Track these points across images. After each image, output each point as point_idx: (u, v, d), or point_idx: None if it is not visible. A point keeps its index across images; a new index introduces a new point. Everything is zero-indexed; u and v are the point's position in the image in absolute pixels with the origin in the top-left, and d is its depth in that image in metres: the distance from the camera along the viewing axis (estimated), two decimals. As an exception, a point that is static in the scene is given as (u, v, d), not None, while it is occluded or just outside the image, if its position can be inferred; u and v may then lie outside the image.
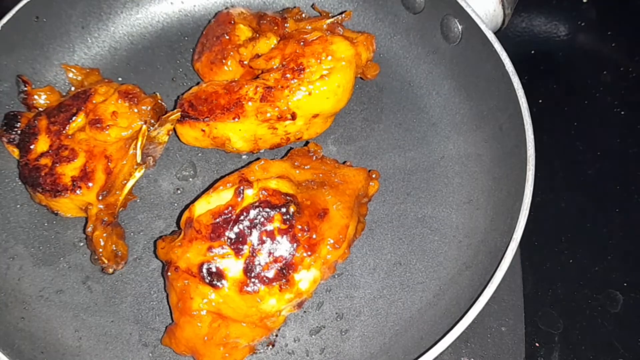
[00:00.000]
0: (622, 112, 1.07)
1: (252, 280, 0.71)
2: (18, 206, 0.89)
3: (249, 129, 0.86)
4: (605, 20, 1.16)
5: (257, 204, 0.72)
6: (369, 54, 0.90)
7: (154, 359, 0.80)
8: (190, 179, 0.92)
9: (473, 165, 0.92)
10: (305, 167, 0.82)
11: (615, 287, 0.92)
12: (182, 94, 0.90)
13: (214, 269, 0.71)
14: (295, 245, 0.72)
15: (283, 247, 0.72)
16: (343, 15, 0.91)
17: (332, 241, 0.74)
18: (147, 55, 1.02)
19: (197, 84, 0.92)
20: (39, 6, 0.93)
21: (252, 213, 0.72)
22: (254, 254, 0.72)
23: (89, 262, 0.85)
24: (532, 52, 1.14)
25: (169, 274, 0.74)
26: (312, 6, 1.02)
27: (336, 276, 0.85)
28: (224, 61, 0.91)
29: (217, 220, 0.72)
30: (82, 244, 0.87)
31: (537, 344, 0.88)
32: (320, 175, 0.81)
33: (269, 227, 0.72)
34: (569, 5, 1.20)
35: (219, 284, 0.71)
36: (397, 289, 0.84)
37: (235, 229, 0.72)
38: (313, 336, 0.82)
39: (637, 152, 1.03)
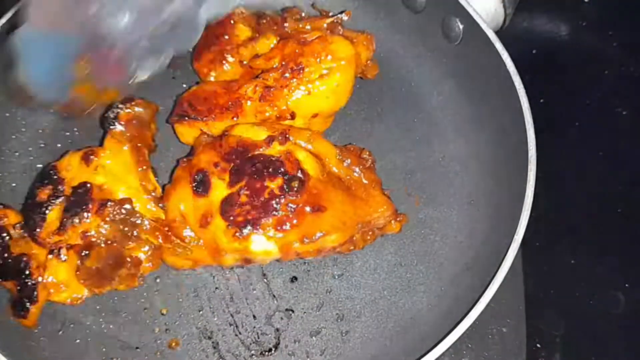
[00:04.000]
0: (624, 112, 1.06)
1: (223, 211, 0.74)
2: (19, 205, 0.89)
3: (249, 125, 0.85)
4: (606, 20, 1.16)
5: (274, 158, 0.76)
6: (369, 54, 0.90)
7: (154, 360, 0.80)
8: (190, 179, 0.92)
9: (474, 165, 0.91)
10: (345, 163, 0.81)
11: (616, 288, 0.91)
12: (182, 93, 0.90)
13: (207, 180, 0.76)
14: (272, 213, 0.74)
15: (263, 207, 0.74)
16: (343, 14, 0.91)
17: (305, 236, 0.75)
18: (146, 55, 1.02)
19: (197, 83, 0.91)
20: (38, 6, 0.92)
21: (264, 163, 0.75)
22: (239, 194, 0.75)
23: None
24: (533, 51, 1.14)
25: (183, 159, 0.81)
26: (312, 5, 1.02)
27: (336, 277, 0.85)
28: (223, 61, 0.91)
29: (238, 148, 0.77)
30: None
31: (538, 345, 0.88)
32: (351, 181, 0.81)
33: (266, 183, 0.75)
34: (570, 4, 1.19)
35: (200, 192, 0.76)
36: (397, 290, 0.84)
37: (243, 164, 0.76)
38: (313, 337, 0.81)
39: (637, 152, 1.03)
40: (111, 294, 0.83)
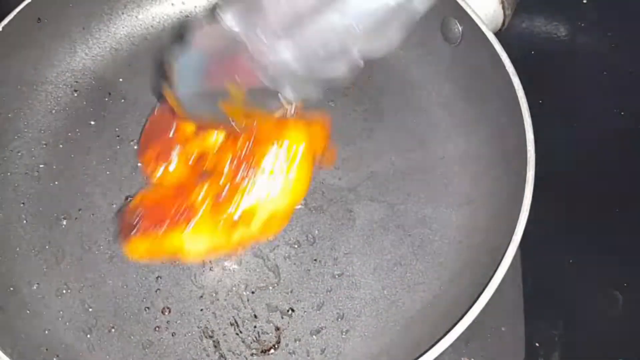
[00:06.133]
0: (622, 113, 1.07)
1: None
2: (21, 205, 0.89)
3: (203, 235, 0.79)
4: (605, 20, 1.16)
5: None
6: (325, 141, 0.84)
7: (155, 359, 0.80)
8: (191, 180, 0.93)
9: (473, 165, 0.92)
10: None
11: (615, 288, 0.92)
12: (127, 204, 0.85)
13: None
14: None
15: None
16: (292, 107, 0.80)
17: None
18: (148, 57, 1.02)
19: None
20: (41, 7, 0.93)
21: None
22: None
23: (90, 261, 0.86)
24: (532, 52, 1.14)
25: None
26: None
27: (336, 276, 0.85)
28: (169, 158, 0.84)
29: None
30: (85, 245, 0.87)
31: (537, 344, 0.88)
32: None
33: None
34: (569, 5, 1.19)
35: None
36: (397, 290, 0.84)
37: None
38: (314, 336, 0.82)
39: (637, 152, 1.03)
40: (112, 293, 0.84)
